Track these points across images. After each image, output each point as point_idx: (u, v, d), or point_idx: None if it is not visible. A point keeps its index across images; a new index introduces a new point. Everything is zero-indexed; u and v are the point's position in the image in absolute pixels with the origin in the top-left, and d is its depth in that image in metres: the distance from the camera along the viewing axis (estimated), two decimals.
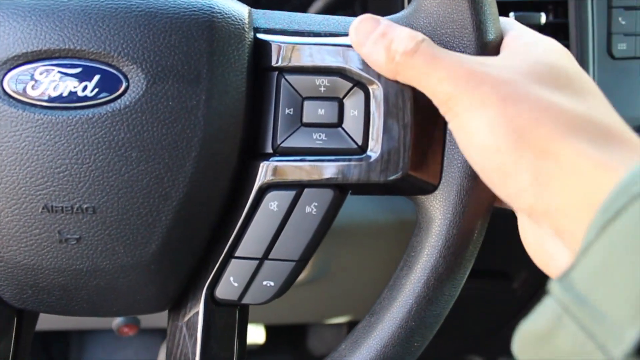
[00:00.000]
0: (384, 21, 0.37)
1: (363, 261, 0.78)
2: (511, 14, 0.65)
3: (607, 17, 0.65)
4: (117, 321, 0.83)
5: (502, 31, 0.39)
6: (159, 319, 0.84)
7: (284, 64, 0.39)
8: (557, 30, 0.68)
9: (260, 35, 0.39)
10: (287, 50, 0.39)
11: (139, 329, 0.86)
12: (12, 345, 0.42)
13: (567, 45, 0.67)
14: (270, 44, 0.39)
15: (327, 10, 0.68)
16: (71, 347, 1.15)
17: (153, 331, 1.08)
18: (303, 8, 0.81)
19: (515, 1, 0.66)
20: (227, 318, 0.41)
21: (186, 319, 0.42)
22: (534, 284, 0.82)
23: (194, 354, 0.41)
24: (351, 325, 1.19)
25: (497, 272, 0.80)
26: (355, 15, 0.40)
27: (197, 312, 0.41)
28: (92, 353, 1.15)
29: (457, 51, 0.38)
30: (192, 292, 0.41)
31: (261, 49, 0.39)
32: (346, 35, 0.39)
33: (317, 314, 0.93)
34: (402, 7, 0.68)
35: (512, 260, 0.79)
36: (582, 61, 0.66)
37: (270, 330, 1.09)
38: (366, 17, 0.37)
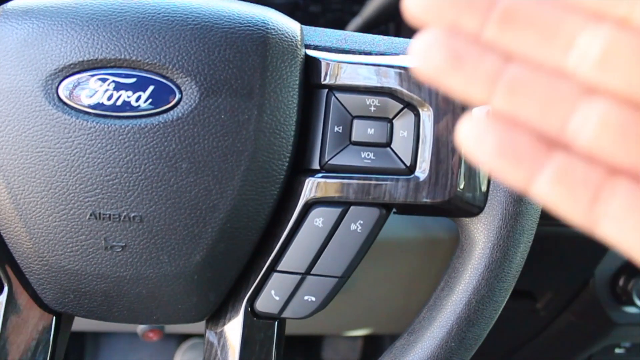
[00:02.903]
0: None
1: (387, 276, 0.78)
2: None
3: None
4: (142, 326, 0.83)
5: None
6: (182, 324, 0.84)
7: (334, 81, 0.39)
8: None
9: (310, 52, 0.40)
10: (338, 68, 0.39)
11: (163, 334, 0.86)
12: (50, 347, 0.43)
13: None
14: (321, 61, 0.39)
15: (362, 30, 0.69)
16: (86, 349, 1.16)
17: (169, 335, 1.09)
18: (337, 23, 0.82)
19: None
20: (265, 331, 0.42)
21: (225, 329, 0.42)
22: (558, 305, 0.82)
23: None
24: (367, 338, 1.18)
25: (521, 291, 0.79)
26: (389, 34, 0.41)
27: (236, 324, 0.41)
28: (107, 355, 1.15)
29: None
30: (232, 304, 0.41)
31: (311, 66, 0.39)
32: (397, 55, 0.39)
33: (335, 326, 0.93)
34: None
35: (537, 281, 0.78)
36: None
37: (285, 339, 1.08)
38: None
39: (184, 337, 1.08)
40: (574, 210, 0.20)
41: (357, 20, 0.64)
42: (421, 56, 0.20)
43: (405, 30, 0.78)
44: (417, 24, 0.21)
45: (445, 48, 0.20)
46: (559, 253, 0.74)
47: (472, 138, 0.20)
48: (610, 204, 0.19)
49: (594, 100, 0.19)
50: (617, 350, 0.87)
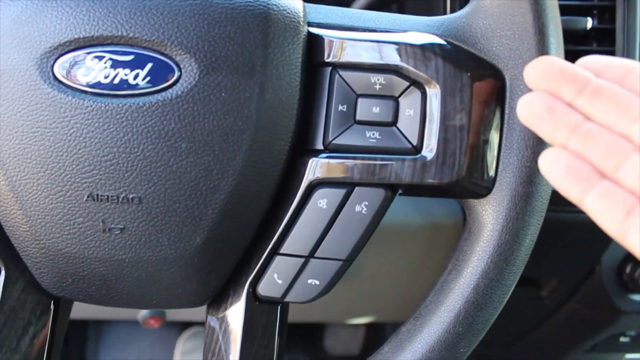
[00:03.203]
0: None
1: (390, 263, 0.77)
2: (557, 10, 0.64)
3: None
4: (143, 313, 0.83)
5: None
6: (184, 311, 0.84)
7: (338, 59, 0.38)
8: (602, 36, 0.67)
9: (313, 30, 0.38)
10: (342, 46, 0.38)
11: (164, 321, 0.86)
12: (48, 331, 0.42)
13: (612, 52, 0.65)
14: (324, 39, 0.38)
15: (367, 8, 0.68)
16: (88, 337, 1.15)
17: (171, 323, 1.08)
18: (341, 3, 0.81)
19: (559, 5, 0.65)
20: (268, 315, 0.41)
21: (226, 314, 0.41)
22: (563, 293, 0.81)
23: (233, 350, 0.40)
24: (369, 326, 1.18)
25: (526, 278, 0.79)
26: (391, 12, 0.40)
27: (238, 309, 0.40)
28: (109, 343, 1.15)
29: (517, 54, 0.37)
30: (234, 288, 0.41)
31: (314, 43, 0.38)
32: (402, 32, 0.38)
33: (338, 314, 0.92)
34: (444, 9, 0.67)
35: (542, 268, 0.77)
36: None
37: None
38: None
39: (185, 326, 1.08)
40: (611, 221, 0.28)
41: (360, 2, 0.63)
42: (526, 104, 0.30)
43: (408, 11, 0.76)
44: (532, 84, 0.31)
45: (544, 101, 0.30)
46: (565, 240, 0.73)
47: (549, 163, 0.29)
48: (636, 221, 0.27)
49: None
50: (622, 339, 0.86)
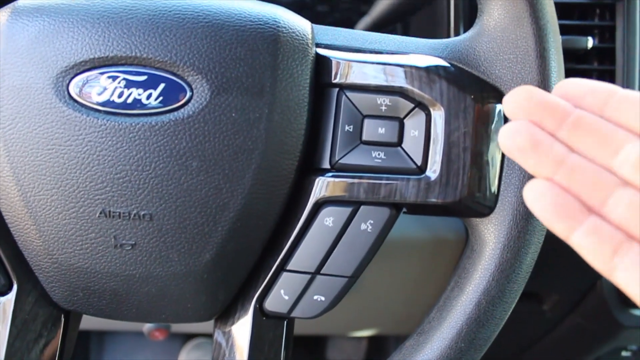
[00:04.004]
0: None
1: (393, 277, 0.78)
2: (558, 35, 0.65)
3: None
4: (148, 325, 0.83)
5: None
6: (188, 324, 0.84)
7: (345, 80, 0.39)
8: (603, 55, 0.68)
9: (321, 51, 0.39)
10: (348, 67, 0.39)
11: (169, 333, 0.86)
12: (58, 344, 0.43)
13: (612, 71, 0.66)
14: (331, 60, 0.39)
15: (370, 30, 0.69)
16: (91, 348, 1.16)
17: (174, 335, 1.09)
18: (345, 23, 0.82)
19: (561, 25, 0.66)
20: (274, 330, 0.41)
21: (233, 329, 0.42)
22: (565, 307, 0.82)
23: None
24: (371, 338, 1.18)
25: (528, 293, 0.79)
26: (396, 34, 0.41)
27: (245, 323, 0.41)
28: (112, 354, 1.15)
29: (519, 77, 0.38)
30: (241, 303, 0.41)
31: (322, 65, 0.39)
32: (407, 54, 0.39)
33: (341, 327, 0.92)
34: (447, 31, 0.68)
35: (544, 282, 0.78)
36: (628, 86, 0.65)
37: None
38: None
39: (188, 337, 1.08)
40: (598, 258, 0.27)
41: (366, 20, 0.64)
42: (509, 136, 0.29)
43: (412, 30, 0.78)
44: (511, 115, 0.30)
45: (527, 134, 0.29)
46: (566, 255, 0.73)
47: (534, 195, 0.28)
48: (624, 258, 0.27)
49: (627, 190, 0.28)
50: (624, 353, 0.87)
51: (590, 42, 0.65)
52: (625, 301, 0.76)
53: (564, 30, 0.67)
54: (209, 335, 1.05)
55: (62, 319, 0.43)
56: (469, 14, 0.67)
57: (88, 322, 0.87)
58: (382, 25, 0.64)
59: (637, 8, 0.66)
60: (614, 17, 0.67)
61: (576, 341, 0.86)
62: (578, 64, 0.68)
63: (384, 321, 0.88)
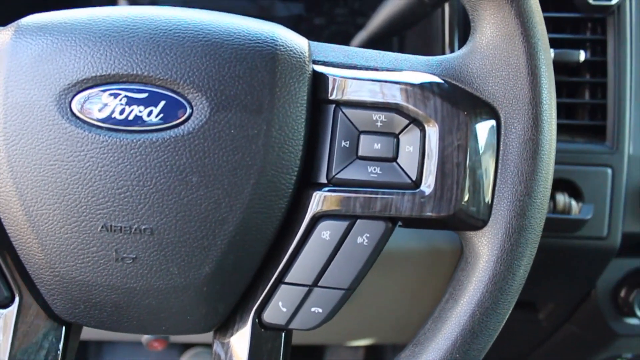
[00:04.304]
0: None
1: (389, 286, 0.78)
2: (550, 51, 0.66)
3: None
4: (147, 335, 0.84)
5: None
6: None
7: (341, 97, 0.40)
8: (595, 68, 0.69)
9: (318, 68, 0.40)
10: (345, 84, 0.40)
11: (167, 343, 0.87)
12: (59, 356, 0.43)
13: (604, 83, 0.67)
14: (328, 77, 0.40)
15: (367, 46, 0.70)
16: (89, 357, 1.16)
17: (172, 345, 1.09)
18: (342, 36, 0.83)
19: (553, 38, 0.67)
20: (272, 342, 0.42)
21: (232, 340, 0.42)
22: (560, 316, 0.82)
23: None
24: (368, 348, 1.19)
25: (523, 302, 0.80)
26: (392, 48, 0.41)
27: (244, 335, 0.42)
28: None
29: (511, 94, 0.39)
30: (240, 315, 0.42)
31: (319, 81, 0.40)
32: (403, 71, 0.40)
33: (338, 336, 0.93)
34: (442, 46, 0.69)
35: (539, 291, 0.79)
36: (620, 99, 0.66)
37: None
38: None
39: (186, 347, 1.08)
40: None
41: (362, 34, 0.65)
42: None
43: (408, 45, 0.79)
44: None
45: None
46: (562, 264, 0.74)
47: None
48: None
49: None
50: None
51: (582, 56, 0.66)
52: (619, 309, 0.77)
53: (556, 43, 0.68)
54: (207, 345, 1.05)
55: (63, 331, 0.44)
56: (463, 30, 0.69)
57: (86, 332, 0.87)
58: (378, 40, 0.65)
59: (627, 22, 0.67)
60: (605, 31, 0.68)
61: (572, 350, 0.86)
62: (571, 77, 0.69)
63: (381, 330, 0.89)
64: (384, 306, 0.81)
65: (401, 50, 0.80)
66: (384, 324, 0.86)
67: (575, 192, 0.68)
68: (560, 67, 0.68)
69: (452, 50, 0.68)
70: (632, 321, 0.78)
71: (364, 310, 0.82)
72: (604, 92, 0.68)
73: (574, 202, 0.67)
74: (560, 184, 0.68)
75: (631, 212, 0.69)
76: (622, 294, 0.76)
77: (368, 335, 0.91)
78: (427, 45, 0.72)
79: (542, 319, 0.83)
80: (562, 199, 0.67)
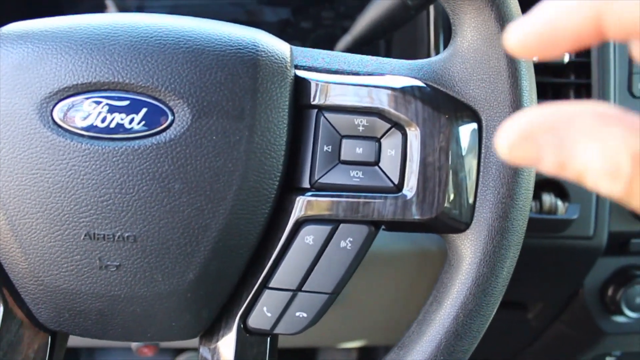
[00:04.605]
0: None
1: (379, 288, 0.79)
2: None
3: (628, 57, 0.67)
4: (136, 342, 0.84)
5: None
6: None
7: (323, 102, 0.40)
8: (579, 69, 0.69)
9: (300, 73, 0.40)
10: (326, 89, 0.40)
11: (157, 349, 0.86)
12: None
13: (588, 84, 0.68)
14: (310, 82, 0.40)
15: (352, 49, 0.70)
16: None
17: (163, 350, 1.09)
18: (328, 39, 0.83)
19: None
20: (258, 347, 0.42)
21: (218, 345, 0.42)
22: (549, 315, 0.83)
23: None
24: (361, 349, 1.19)
25: (512, 302, 0.80)
26: (379, 54, 0.42)
27: (230, 340, 0.42)
28: None
29: (492, 96, 0.39)
30: (225, 320, 0.42)
31: (301, 87, 0.40)
32: (384, 75, 0.40)
33: (329, 339, 0.93)
34: (428, 49, 0.70)
35: (528, 291, 0.79)
36: (604, 99, 0.67)
37: (279, 352, 1.09)
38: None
39: (177, 352, 1.08)
40: None
41: (347, 38, 0.66)
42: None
43: (394, 48, 0.79)
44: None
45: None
46: (549, 264, 0.75)
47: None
48: None
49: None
50: (608, 359, 0.88)
51: (567, 57, 0.67)
52: (606, 308, 0.78)
53: None
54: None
55: (49, 340, 0.43)
56: (448, 33, 0.69)
57: (78, 339, 0.87)
58: (363, 44, 0.65)
59: None
60: None
61: (561, 349, 0.87)
62: (555, 78, 0.69)
63: (372, 332, 0.89)
64: (374, 308, 0.82)
65: (388, 53, 0.80)
66: (374, 325, 0.86)
67: (561, 193, 0.69)
68: (545, 68, 0.68)
69: (437, 53, 0.68)
70: (620, 319, 0.78)
71: (354, 312, 0.82)
72: (588, 92, 0.69)
73: (560, 203, 0.67)
74: (547, 185, 0.69)
75: (617, 212, 0.69)
76: (610, 292, 0.77)
77: (359, 337, 0.91)
78: (413, 48, 0.73)
79: (531, 318, 0.83)
80: (548, 199, 0.67)
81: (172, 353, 1.10)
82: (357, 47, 0.65)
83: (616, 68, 0.67)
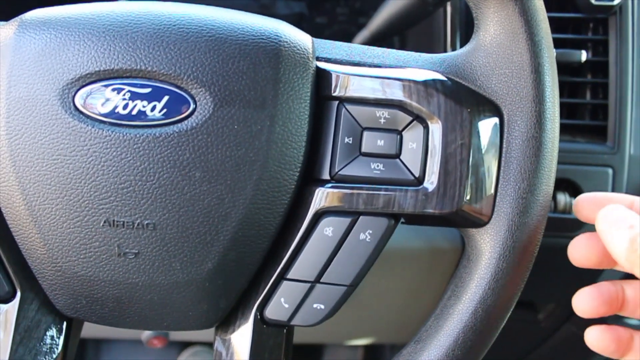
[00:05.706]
0: (633, 214, 0.37)
1: (390, 286, 0.78)
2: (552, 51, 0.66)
3: None
4: (147, 333, 0.84)
5: None
6: (187, 331, 0.85)
7: (345, 94, 0.40)
8: (596, 68, 0.69)
9: (321, 65, 0.40)
10: (348, 81, 0.40)
11: (167, 341, 0.87)
12: (60, 351, 0.43)
13: (605, 84, 0.68)
14: (331, 74, 0.40)
15: (369, 44, 0.70)
16: (87, 355, 1.16)
17: (171, 343, 1.09)
18: (343, 35, 0.83)
19: (556, 38, 0.67)
20: (274, 338, 0.42)
21: (234, 336, 0.42)
22: (560, 316, 0.82)
23: None
24: (367, 347, 1.19)
25: (523, 302, 0.80)
26: (393, 47, 0.42)
27: (246, 331, 0.42)
28: None
29: (514, 91, 0.39)
30: (242, 311, 0.42)
31: (322, 78, 0.40)
32: (405, 67, 0.40)
33: (337, 336, 0.93)
34: (444, 45, 0.70)
35: (539, 291, 0.79)
36: (621, 99, 0.67)
37: None
38: (616, 207, 0.38)
39: (185, 345, 1.08)
40: None
41: (364, 33, 0.65)
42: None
43: (410, 44, 0.79)
44: None
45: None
46: (562, 264, 0.74)
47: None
48: None
49: None
50: None
51: (584, 56, 0.66)
52: None
53: (558, 43, 0.68)
54: (206, 344, 1.05)
55: (65, 326, 0.44)
56: (465, 29, 0.69)
57: (85, 330, 0.87)
58: (379, 39, 0.65)
59: (629, 22, 0.67)
60: (607, 31, 0.68)
61: (571, 350, 0.86)
62: (572, 77, 0.69)
63: (380, 330, 0.89)
64: (383, 306, 0.81)
65: (402, 48, 0.80)
66: (382, 323, 0.86)
67: (576, 192, 0.68)
68: (562, 67, 0.68)
69: (453, 49, 0.68)
70: (632, 322, 0.78)
71: (363, 309, 0.82)
72: (605, 92, 0.68)
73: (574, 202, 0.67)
74: (561, 184, 0.68)
75: None
76: None
77: (367, 334, 0.91)
78: (429, 44, 0.72)
79: (542, 319, 0.83)
80: (563, 198, 0.67)
81: (179, 346, 1.10)
82: (373, 43, 0.65)
83: (634, 67, 0.67)
